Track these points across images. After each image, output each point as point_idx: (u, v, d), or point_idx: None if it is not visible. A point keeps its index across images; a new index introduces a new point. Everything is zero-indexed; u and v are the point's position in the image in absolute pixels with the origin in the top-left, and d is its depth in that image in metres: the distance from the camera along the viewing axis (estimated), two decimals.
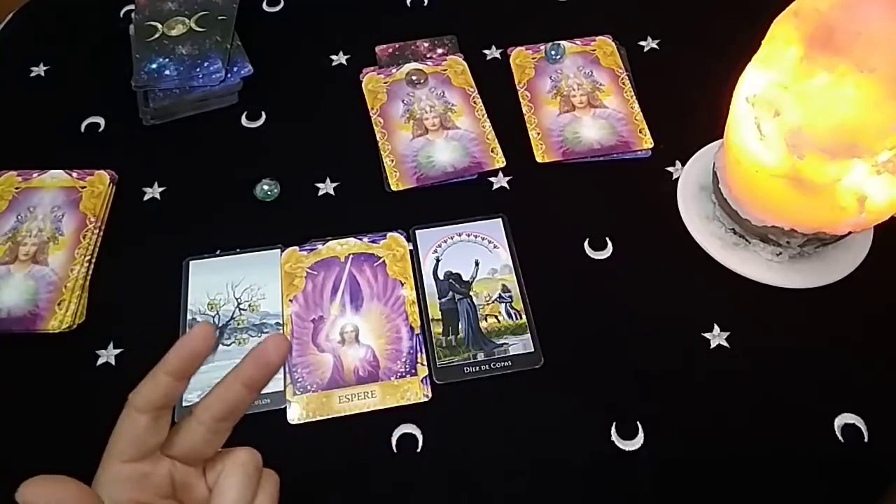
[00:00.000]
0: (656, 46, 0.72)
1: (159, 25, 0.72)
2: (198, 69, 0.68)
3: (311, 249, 0.59)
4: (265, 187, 0.62)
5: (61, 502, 0.28)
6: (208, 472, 0.34)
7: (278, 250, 0.59)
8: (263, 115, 0.68)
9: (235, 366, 0.33)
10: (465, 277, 0.58)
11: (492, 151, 0.64)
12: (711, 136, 0.63)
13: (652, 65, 0.71)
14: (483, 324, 0.55)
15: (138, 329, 0.55)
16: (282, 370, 0.53)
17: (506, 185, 0.63)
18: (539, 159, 0.64)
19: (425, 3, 0.77)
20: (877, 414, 0.50)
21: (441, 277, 0.57)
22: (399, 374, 0.53)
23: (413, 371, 0.53)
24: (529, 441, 0.50)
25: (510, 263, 0.58)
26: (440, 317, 0.55)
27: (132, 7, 0.75)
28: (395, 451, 0.50)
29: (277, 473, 0.36)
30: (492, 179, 0.63)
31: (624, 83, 0.68)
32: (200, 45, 0.70)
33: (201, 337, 0.32)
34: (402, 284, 0.57)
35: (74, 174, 0.63)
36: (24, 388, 0.53)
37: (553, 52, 0.70)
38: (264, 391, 0.51)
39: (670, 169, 0.64)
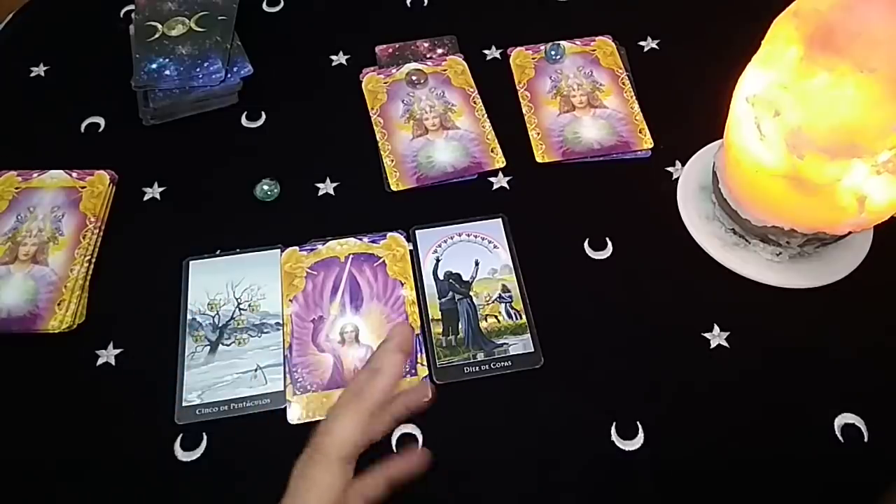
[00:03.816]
0: (656, 46, 0.72)
1: (159, 25, 0.72)
2: (198, 69, 0.68)
3: (311, 249, 0.59)
4: (265, 187, 0.62)
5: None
6: None
7: (278, 250, 0.59)
8: (263, 115, 0.68)
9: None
10: (465, 277, 0.58)
11: (492, 151, 0.64)
12: (711, 136, 0.63)
13: (652, 65, 0.71)
14: (483, 324, 0.55)
15: (138, 329, 0.55)
16: (282, 370, 0.53)
17: (506, 185, 0.63)
18: (539, 159, 0.64)
19: (425, 3, 0.77)
20: (877, 414, 0.50)
21: (441, 277, 0.57)
22: None
23: (413, 371, 0.53)
24: (529, 441, 0.50)
25: (510, 263, 0.58)
26: (440, 317, 0.55)
27: (132, 7, 0.75)
28: (395, 451, 0.50)
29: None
30: (492, 179, 0.63)
31: (624, 83, 0.68)
32: (200, 45, 0.70)
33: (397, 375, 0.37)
34: (402, 284, 0.57)
35: (74, 174, 0.63)
36: (24, 388, 0.53)
37: (553, 52, 0.70)
38: (264, 391, 0.52)
39: (670, 169, 0.64)
